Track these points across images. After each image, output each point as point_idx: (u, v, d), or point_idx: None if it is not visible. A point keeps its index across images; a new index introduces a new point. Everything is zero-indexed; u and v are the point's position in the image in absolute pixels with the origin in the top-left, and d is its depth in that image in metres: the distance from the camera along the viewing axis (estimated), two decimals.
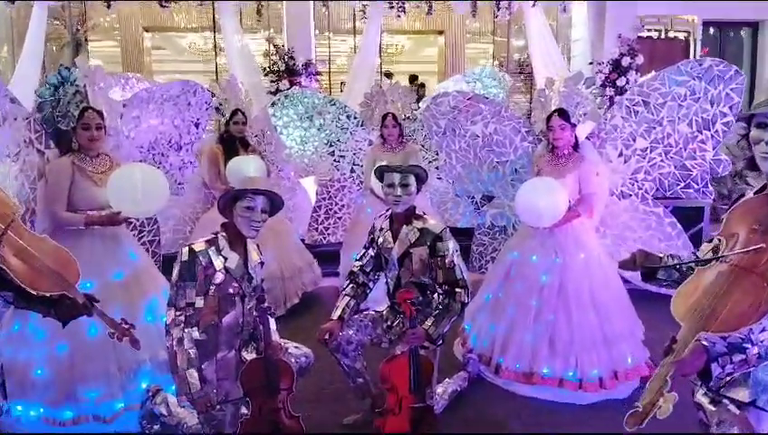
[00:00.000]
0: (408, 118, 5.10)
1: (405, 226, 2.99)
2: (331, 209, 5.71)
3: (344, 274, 5.14)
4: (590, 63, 6.75)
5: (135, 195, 3.11)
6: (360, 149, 5.57)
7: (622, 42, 6.47)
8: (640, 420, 1.37)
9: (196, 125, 4.16)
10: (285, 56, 6.59)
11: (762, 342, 1.48)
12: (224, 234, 2.75)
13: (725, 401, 1.62)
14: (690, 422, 1.86)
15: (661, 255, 1.85)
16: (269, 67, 6.77)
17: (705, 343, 1.47)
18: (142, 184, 3.13)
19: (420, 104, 5.53)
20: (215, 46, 8.72)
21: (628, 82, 6.20)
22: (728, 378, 1.58)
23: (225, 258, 2.70)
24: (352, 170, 5.65)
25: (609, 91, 6.29)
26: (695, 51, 7.62)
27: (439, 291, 2.99)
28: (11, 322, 3.08)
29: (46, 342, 2.98)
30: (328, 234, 5.74)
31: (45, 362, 2.98)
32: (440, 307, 2.92)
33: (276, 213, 2.85)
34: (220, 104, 4.94)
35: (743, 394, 1.57)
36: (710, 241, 1.65)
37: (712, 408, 1.67)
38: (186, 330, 2.60)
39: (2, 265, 1.71)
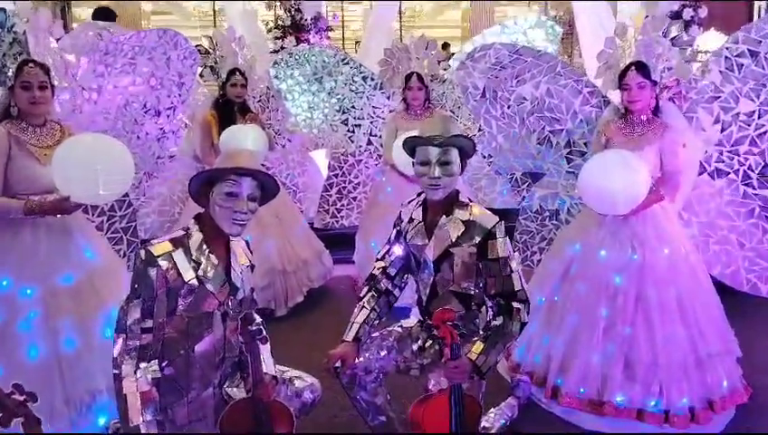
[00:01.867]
0: (436, 78, 4.30)
1: (444, 217, 2.21)
2: (344, 188, 4.97)
3: (360, 263, 4.43)
4: (646, 17, 5.87)
5: (87, 174, 2.38)
6: (377, 116, 4.79)
7: None
8: None
9: (179, 85, 3.38)
10: (291, 8, 5.72)
11: None
12: (197, 229, 1.99)
13: None
14: None
15: None
16: (272, 22, 5.91)
17: None
18: (97, 160, 2.40)
19: (451, 62, 4.70)
20: (213, 7, 7.86)
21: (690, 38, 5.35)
22: None
23: (198, 264, 1.94)
24: (369, 142, 4.88)
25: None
26: (758, 9, 6.68)
27: (489, 304, 2.23)
28: None
29: None
30: (341, 217, 5.00)
31: None
32: (492, 328, 2.15)
33: (269, 201, 2.09)
34: (216, 62, 4.15)
35: None
36: None
37: None
38: (141, 365, 1.86)
39: None
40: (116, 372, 1.85)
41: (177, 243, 1.94)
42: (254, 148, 3.71)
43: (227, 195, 1.93)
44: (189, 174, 4.40)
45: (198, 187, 1.99)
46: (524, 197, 3.77)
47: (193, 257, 1.94)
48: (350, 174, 4.96)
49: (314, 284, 4.21)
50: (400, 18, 9.75)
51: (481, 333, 2.18)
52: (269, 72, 4.71)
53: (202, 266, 1.95)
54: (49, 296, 2.41)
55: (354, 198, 5.00)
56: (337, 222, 5.02)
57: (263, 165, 4.26)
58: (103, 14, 6.11)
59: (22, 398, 1.63)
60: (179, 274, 1.90)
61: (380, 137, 4.67)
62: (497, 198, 4.59)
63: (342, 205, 4.99)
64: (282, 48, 5.63)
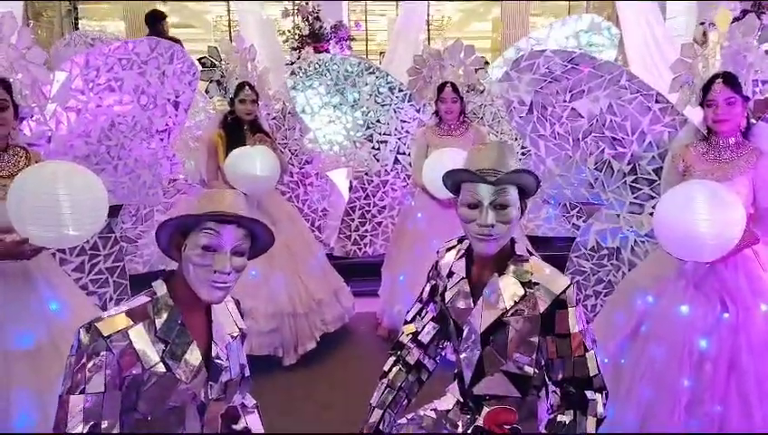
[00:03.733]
0: (472, 89, 3.81)
1: (496, 274, 1.69)
2: (368, 212, 4.50)
3: (385, 301, 3.94)
4: (702, 24, 5.29)
5: (50, 212, 1.94)
6: (406, 131, 4.33)
7: None
8: None
9: (175, 105, 2.93)
10: (310, 16, 5.29)
11: None
12: (166, 295, 1.51)
13: None
14: None
15: None
16: (289, 31, 5.49)
17: None
18: (62, 194, 1.95)
19: (490, 70, 4.20)
20: (228, 15, 7.47)
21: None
22: None
23: (166, 343, 1.46)
24: (396, 160, 4.41)
25: None
26: None
27: (553, 388, 1.70)
28: None
29: None
30: (364, 244, 4.53)
31: None
32: (558, 425, 1.61)
33: (262, 253, 1.60)
34: (222, 76, 3.71)
35: None
36: None
37: None
38: None
39: None
40: None
41: (137, 315, 1.45)
42: (263, 172, 3.28)
43: (204, 249, 1.45)
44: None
45: (168, 238, 1.51)
46: (577, 227, 3.24)
47: (158, 334, 1.45)
48: (374, 196, 4.50)
49: (329, 327, 3.68)
50: (428, 28, 9.35)
51: (543, 431, 1.65)
52: (286, 85, 4.27)
53: (171, 346, 1.46)
54: (1, 361, 1.96)
55: (379, 224, 4.53)
56: (360, 250, 4.54)
57: (277, 189, 3.82)
58: (153, 18, 5.80)
59: None
60: (138, 358, 1.41)
61: (409, 155, 4.24)
62: (542, 225, 4.05)
63: (366, 231, 4.52)
64: (300, 59, 5.22)
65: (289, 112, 4.40)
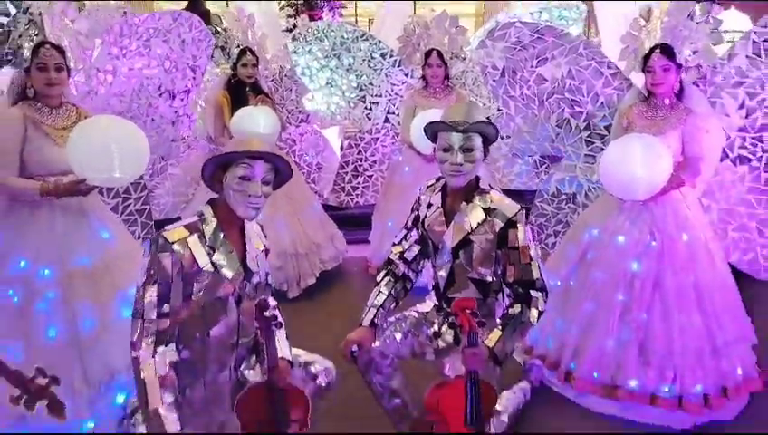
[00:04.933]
0: (456, 56, 4.22)
1: (464, 203, 2.19)
2: (360, 166, 4.94)
3: (375, 245, 4.42)
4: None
5: (103, 157, 2.37)
6: (396, 93, 4.75)
7: None
8: None
9: (193, 69, 3.34)
10: None
11: None
12: (212, 213, 1.99)
13: None
14: None
15: None
16: None
17: None
18: (113, 143, 2.38)
19: (471, 40, 4.61)
20: None
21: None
22: None
23: (213, 249, 1.94)
24: (387, 120, 4.84)
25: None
26: None
27: (507, 292, 2.22)
28: None
29: None
30: (356, 195, 4.99)
31: None
32: (509, 316, 2.14)
33: (283, 184, 2.08)
34: (226, 42, 4.10)
35: None
36: None
37: None
38: (159, 349, 1.87)
39: None
40: (134, 355, 1.86)
41: (191, 229, 1.94)
42: (265, 130, 3.67)
43: (241, 178, 1.92)
44: (203, 155, 4.43)
45: (212, 171, 1.98)
46: (542, 179, 3.72)
47: (208, 243, 1.94)
48: (366, 152, 4.93)
49: (327, 266, 4.20)
50: None
51: (498, 321, 2.17)
52: (285, 49, 4.65)
53: (217, 252, 1.95)
54: (66, 278, 2.42)
55: (370, 177, 4.98)
56: (352, 200, 5.01)
57: (276, 144, 4.24)
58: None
59: (45, 381, 1.64)
60: (194, 260, 1.90)
61: (398, 115, 4.63)
62: (515, 180, 4.53)
63: (358, 183, 4.97)
64: (294, 26, 5.55)
65: (285, 75, 4.77)
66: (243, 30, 4.12)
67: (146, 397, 1.83)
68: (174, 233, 1.90)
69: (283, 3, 5.93)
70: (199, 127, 4.41)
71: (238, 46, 4.18)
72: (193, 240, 1.91)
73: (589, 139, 3.37)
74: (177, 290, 1.89)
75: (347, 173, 4.95)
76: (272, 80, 4.68)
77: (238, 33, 4.07)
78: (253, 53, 4.04)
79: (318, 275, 4.10)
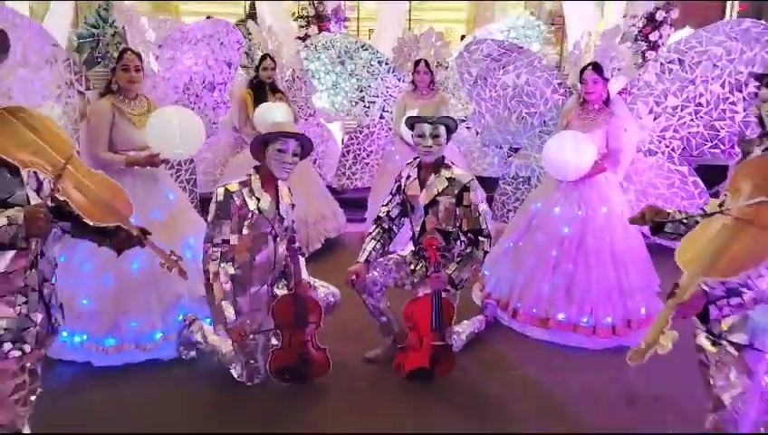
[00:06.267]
0: (441, 65, 5.09)
1: (433, 174, 3.08)
2: (359, 155, 5.79)
3: (371, 219, 5.28)
4: (624, 17, 6.59)
5: (173, 137, 3.21)
6: (390, 95, 5.59)
7: None
8: (642, 354, 1.52)
9: (229, 65, 4.22)
10: (315, 1, 6.54)
11: (758, 287, 1.59)
12: (256, 176, 2.87)
13: (725, 343, 1.74)
14: (690, 365, 1.98)
15: (670, 210, 1.93)
16: (298, 12, 6.74)
17: (705, 287, 1.59)
18: (180, 127, 3.22)
19: (453, 51, 5.49)
20: None
21: (661, 37, 6.06)
22: (726, 320, 1.70)
23: (258, 199, 2.83)
24: (382, 117, 5.70)
25: (642, 46, 6.14)
26: (731, 8, 7.32)
27: (463, 239, 3.11)
28: (57, 256, 3.26)
29: (92, 275, 3.15)
30: (355, 179, 5.85)
31: (91, 293, 3.16)
32: (463, 254, 3.04)
33: (306, 156, 2.95)
34: (249, 49, 4.96)
35: (741, 337, 1.70)
36: (716, 195, 1.72)
37: (712, 350, 1.81)
38: (221, 265, 2.77)
39: (64, 197, 1.84)
40: (206, 269, 2.76)
41: (243, 184, 2.83)
42: (283, 121, 4.52)
43: (279, 151, 2.80)
44: (229, 142, 5.32)
45: (258, 145, 2.86)
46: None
47: (255, 194, 2.82)
48: (364, 143, 5.78)
49: (330, 234, 5.09)
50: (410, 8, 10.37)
51: (456, 257, 3.06)
52: (298, 56, 5.51)
53: (260, 201, 2.83)
54: (145, 225, 3.26)
55: (367, 164, 5.83)
56: (352, 183, 5.87)
57: None
58: None
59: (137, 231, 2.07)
60: (246, 204, 2.79)
61: (391, 112, 5.44)
62: (488, 169, 5.41)
63: (357, 169, 5.83)
64: (306, 36, 6.44)
65: (298, 77, 5.64)
66: (264, 39, 4.97)
67: (213, 297, 2.72)
68: (233, 186, 2.79)
69: (295, 15, 6.81)
70: (226, 119, 5.26)
71: (260, 52, 5.03)
72: (246, 191, 2.80)
73: (541, 133, 4.25)
74: (235, 225, 2.78)
75: (347, 160, 5.82)
76: (286, 81, 5.53)
77: (260, 42, 4.92)
78: (272, 58, 4.91)
79: (323, 242, 4.98)
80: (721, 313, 1.69)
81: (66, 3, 7.04)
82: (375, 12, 9.82)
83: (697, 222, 1.67)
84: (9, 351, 1.83)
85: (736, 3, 7.23)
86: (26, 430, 1.99)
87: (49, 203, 1.83)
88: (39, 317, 1.91)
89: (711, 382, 1.83)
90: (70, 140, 2.03)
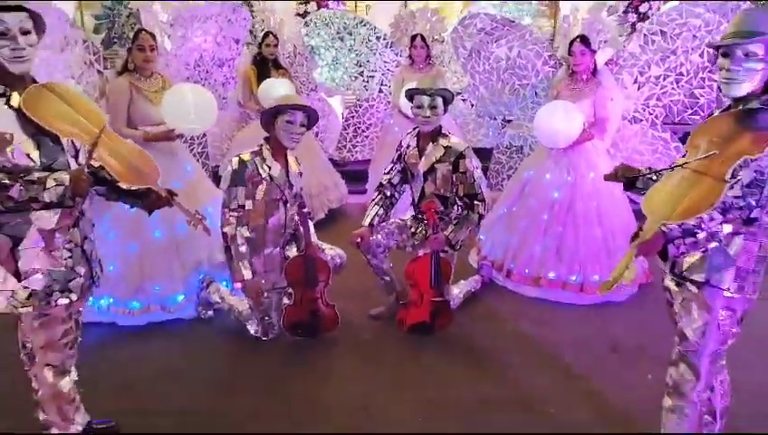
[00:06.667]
0: (436, 40, 5.28)
1: (431, 143, 3.31)
2: (359, 128, 6.00)
3: (371, 192, 5.51)
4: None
5: (188, 113, 3.40)
6: (388, 69, 5.79)
7: None
8: (610, 286, 1.79)
9: (236, 41, 4.42)
10: None
11: (710, 227, 1.83)
12: (267, 146, 3.11)
13: (687, 283, 2.00)
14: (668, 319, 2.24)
15: (640, 168, 2.17)
16: None
17: (664, 229, 1.84)
18: (194, 103, 3.41)
19: (448, 26, 5.67)
20: None
21: (650, 9, 6.24)
22: (686, 260, 1.96)
23: (270, 167, 3.07)
24: (380, 90, 5.90)
25: (632, 18, 6.32)
26: None
27: (459, 203, 3.35)
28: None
29: (117, 242, 3.39)
30: (355, 151, 6.06)
31: (117, 259, 3.39)
32: (460, 217, 3.29)
33: (312, 126, 3.18)
34: (253, 26, 5.15)
35: (700, 276, 1.96)
36: (684, 155, 1.96)
37: (676, 289, 2.07)
38: (238, 228, 3.02)
39: (100, 162, 2.06)
40: (224, 231, 3.01)
41: (255, 154, 3.07)
42: (289, 93, 4.72)
43: (287, 122, 3.03)
44: (235, 116, 5.52)
45: (268, 117, 3.08)
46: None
47: (266, 163, 3.06)
48: (364, 116, 5.99)
49: (333, 205, 5.33)
50: None
51: (453, 220, 3.31)
52: (299, 32, 5.69)
53: (271, 169, 3.07)
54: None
55: (367, 136, 6.04)
56: (352, 155, 6.09)
57: None
58: None
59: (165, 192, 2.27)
60: (258, 172, 3.03)
61: (390, 86, 5.65)
62: (483, 139, 5.64)
63: (357, 141, 6.05)
64: (306, 12, 6.59)
65: (299, 53, 5.81)
66: (266, 17, 5.16)
67: (231, 257, 2.97)
68: (246, 155, 3.03)
69: None
70: (231, 95, 5.45)
71: (262, 30, 5.23)
72: (258, 160, 3.05)
73: (533, 104, 4.46)
74: (249, 192, 3.02)
75: (348, 133, 6.03)
76: (288, 57, 5.72)
77: (263, 19, 5.11)
78: (274, 35, 5.10)
79: (326, 212, 5.22)
80: (678, 250, 1.95)
81: None
82: None
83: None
84: (58, 299, 2.06)
85: None
86: (73, 372, 2.24)
87: (85, 169, 2.05)
88: (82, 270, 2.13)
89: (676, 318, 2.10)
90: (102, 112, 2.25)
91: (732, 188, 1.80)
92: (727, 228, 1.85)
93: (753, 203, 1.81)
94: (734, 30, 1.90)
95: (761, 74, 1.87)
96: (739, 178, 1.81)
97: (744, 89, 1.88)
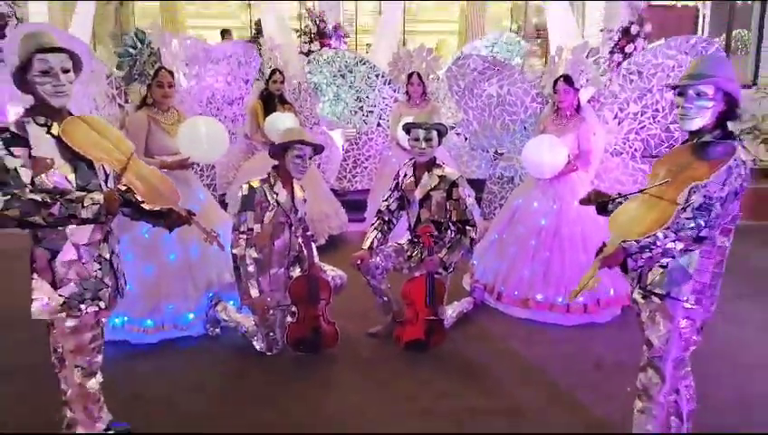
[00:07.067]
0: (432, 78, 5.62)
1: (426, 173, 3.59)
2: (358, 159, 6.30)
3: (370, 221, 5.77)
4: (602, 30, 7.14)
5: (202, 144, 3.69)
6: (386, 105, 6.11)
7: (632, 10, 6.84)
8: (577, 294, 2.07)
9: (246, 81, 4.74)
10: (317, 19, 7.10)
11: (663, 244, 2.09)
12: (275, 174, 3.39)
13: (651, 295, 2.26)
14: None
15: (610, 193, 2.46)
16: (301, 29, 7.30)
17: (624, 245, 2.11)
18: (207, 134, 3.71)
19: (443, 65, 6.03)
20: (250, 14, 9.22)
21: (635, 49, 6.61)
22: (650, 275, 2.22)
23: (277, 193, 3.34)
24: (379, 124, 6.21)
25: (618, 58, 6.69)
26: (703, 20, 7.88)
27: (452, 228, 3.61)
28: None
29: (134, 263, 3.59)
30: (355, 181, 6.35)
31: (134, 280, 3.51)
32: (453, 241, 3.55)
33: (316, 155, 3.46)
34: (261, 64, 5.48)
35: (661, 289, 2.22)
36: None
37: (642, 301, 2.32)
38: (246, 250, 3.28)
39: (127, 185, 2.32)
40: (234, 252, 3.26)
41: (264, 181, 3.35)
42: (296, 127, 5.03)
43: (297, 156, 3.31)
44: (242, 148, 5.82)
45: (278, 150, 3.37)
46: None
47: (274, 190, 3.34)
48: (363, 148, 6.28)
49: (334, 231, 5.59)
50: (404, 20, 10.95)
51: (446, 244, 3.57)
52: (303, 70, 6.04)
53: (279, 195, 3.34)
54: None
55: (365, 167, 6.33)
56: (352, 185, 6.37)
57: None
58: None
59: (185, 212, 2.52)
60: (267, 198, 3.30)
61: (388, 120, 5.97)
62: (476, 171, 5.93)
63: (356, 172, 6.33)
64: (309, 51, 6.98)
65: (303, 89, 6.15)
66: (273, 56, 5.50)
67: (240, 277, 3.22)
68: (255, 182, 3.31)
69: (299, 32, 7.37)
70: (238, 130, 5.76)
71: (270, 67, 5.56)
72: (266, 186, 3.32)
73: (522, 138, 4.75)
74: (258, 216, 3.29)
75: (348, 164, 6.32)
76: (293, 92, 6.05)
77: (270, 58, 5.45)
78: (281, 72, 5.44)
79: (327, 239, 5.48)
80: (636, 264, 2.22)
81: (86, 19, 7.56)
82: (372, 26, 10.45)
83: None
84: (88, 307, 2.28)
85: (707, 17, 7.80)
86: (99, 374, 2.46)
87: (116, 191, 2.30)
88: (110, 281, 2.35)
89: (644, 327, 2.34)
90: (129, 141, 2.51)
91: (684, 211, 2.07)
92: (679, 245, 2.11)
93: (702, 223, 2.08)
94: (689, 73, 2.20)
95: (710, 111, 2.15)
96: (691, 202, 2.08)
97: (696, 123, 2.17)
